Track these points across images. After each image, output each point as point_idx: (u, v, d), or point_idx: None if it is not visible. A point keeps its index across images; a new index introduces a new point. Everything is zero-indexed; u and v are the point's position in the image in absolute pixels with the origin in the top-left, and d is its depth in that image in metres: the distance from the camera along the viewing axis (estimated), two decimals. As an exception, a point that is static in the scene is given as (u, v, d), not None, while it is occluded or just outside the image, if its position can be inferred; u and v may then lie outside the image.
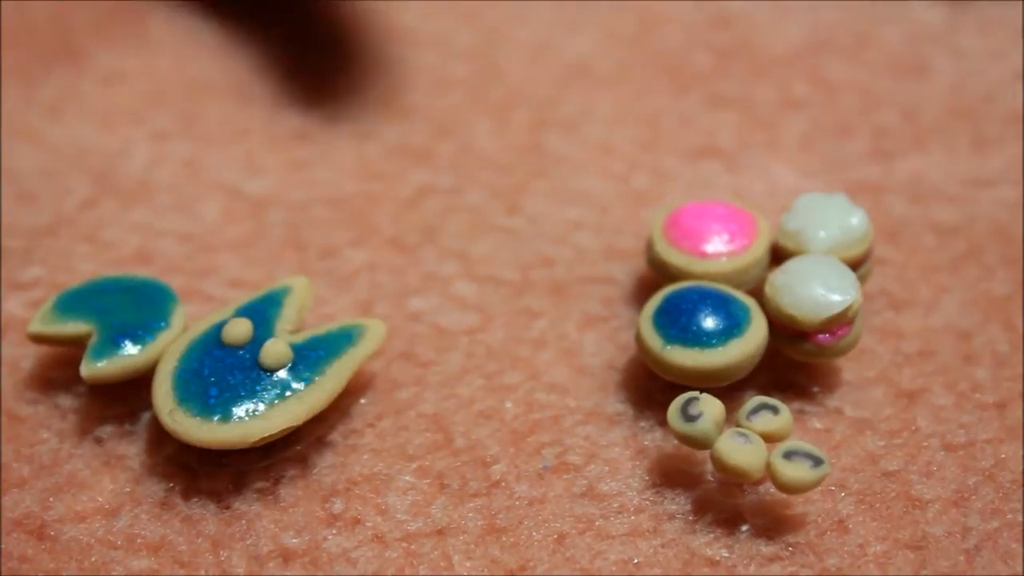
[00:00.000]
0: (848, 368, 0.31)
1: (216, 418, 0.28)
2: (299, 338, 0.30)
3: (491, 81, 0.38)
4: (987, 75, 0.39)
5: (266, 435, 0.28)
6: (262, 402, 0.29)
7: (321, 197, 0.35)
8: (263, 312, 0.30)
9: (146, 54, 0.39)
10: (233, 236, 0.34)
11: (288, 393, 0.29)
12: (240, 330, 0.29)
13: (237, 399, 0.28)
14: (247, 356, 0.29)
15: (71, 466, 0.29)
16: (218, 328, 0.30)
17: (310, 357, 0.29)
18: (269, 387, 0.29)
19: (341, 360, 0.29)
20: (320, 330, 0.30)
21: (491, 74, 0.39)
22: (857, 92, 0.38)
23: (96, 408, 0.30)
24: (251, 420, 0.28)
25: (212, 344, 0.29)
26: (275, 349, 0.29)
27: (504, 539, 0.28)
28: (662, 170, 0.36)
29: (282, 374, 0.29)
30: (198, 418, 0.28)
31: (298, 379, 0.29)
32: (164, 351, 0.30)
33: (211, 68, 0.38)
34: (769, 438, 0.28)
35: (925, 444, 0.30)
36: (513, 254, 0.34)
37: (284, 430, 0.29)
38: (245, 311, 0.30)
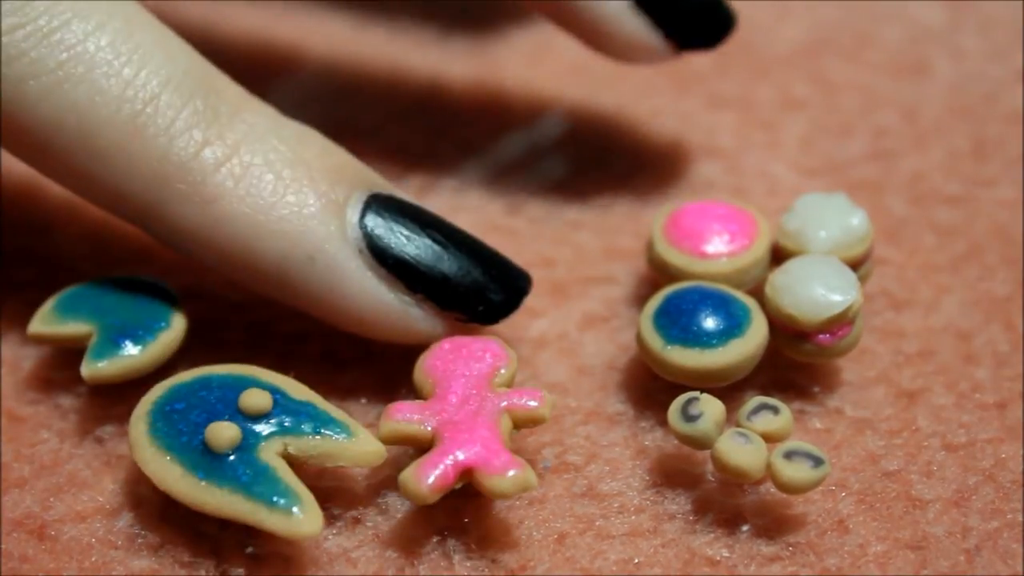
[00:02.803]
0: (848, 368, 0.31)
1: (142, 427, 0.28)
2: (274, 461, 0.27)
3: (491, 81, 0.38)
4: (987, 75, 0.39)
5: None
6: (172, 445, 0.27)
7: (321, 197, 0.35)
8: (310, 421, 0.28)
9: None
10: (233, 236, 0.34)
11: (186, 469, 0.27)
12: (254, 401, 0.28)
13: (167, 430, 0.28)
14: (220, 415, 0.28)
15: (72, 466, 0.29)
16: (250, 382, 0.28)
17: (252, 478, 0.27)
18: (190, 450, 0.27)
19: (267, 509, 0.26)
20: (290, 478, 0.27)
21: (491, 74, 0.39)
22: (857, 92, 0.38)
23: (96, 408, 0.30)
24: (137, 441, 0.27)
25: (229, 386, 0.28)
26: (222, 434, 0.27)
27: (504, 539, 0.28)
28: (663, 170, 0.36)
29: (217, 454, 0.27)
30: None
31: (216, 474, 0.27)
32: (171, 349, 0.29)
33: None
34: (769, 438, 0.28)
35: (925, 444, 0.30)
36: (513, 254, 0.33)
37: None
38: (302, 410, 0.28)
